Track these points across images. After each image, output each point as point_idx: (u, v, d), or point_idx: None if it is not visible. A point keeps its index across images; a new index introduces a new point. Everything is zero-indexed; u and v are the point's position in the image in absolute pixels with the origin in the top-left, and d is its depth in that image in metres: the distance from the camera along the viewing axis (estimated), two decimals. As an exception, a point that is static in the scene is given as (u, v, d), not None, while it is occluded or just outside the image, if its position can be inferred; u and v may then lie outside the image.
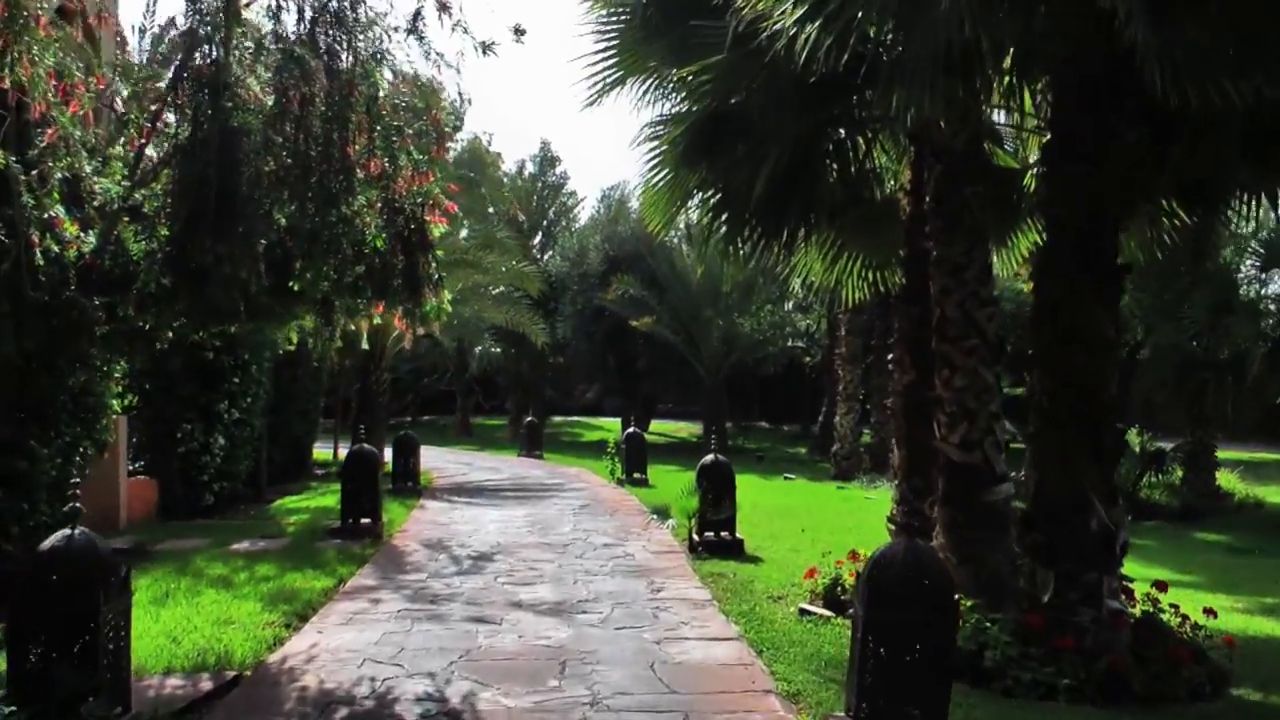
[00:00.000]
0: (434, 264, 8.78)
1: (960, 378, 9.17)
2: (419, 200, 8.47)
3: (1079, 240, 7.86)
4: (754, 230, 10.45)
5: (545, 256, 44.89)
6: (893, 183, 11.80)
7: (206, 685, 7.02)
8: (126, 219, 8.12)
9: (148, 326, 8.51)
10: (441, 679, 7.20)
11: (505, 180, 47.31)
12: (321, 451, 28.85)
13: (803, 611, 9.61)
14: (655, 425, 46.71)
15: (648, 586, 10.69)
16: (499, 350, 39.27)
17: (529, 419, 33.41)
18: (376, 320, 9.58)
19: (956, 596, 5.68)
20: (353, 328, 9.97)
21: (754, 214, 10.25)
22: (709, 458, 13.59)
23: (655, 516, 14.37)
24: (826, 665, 7.74)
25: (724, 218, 10.35)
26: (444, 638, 8.39)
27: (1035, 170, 10.58)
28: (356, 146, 7.84)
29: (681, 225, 41.45)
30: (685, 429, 47.04)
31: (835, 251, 11.71)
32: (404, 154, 8.13)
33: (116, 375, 14.96)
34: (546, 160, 46.77)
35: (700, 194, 10.54)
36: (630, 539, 14.07)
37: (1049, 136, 8.57)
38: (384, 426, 25.47)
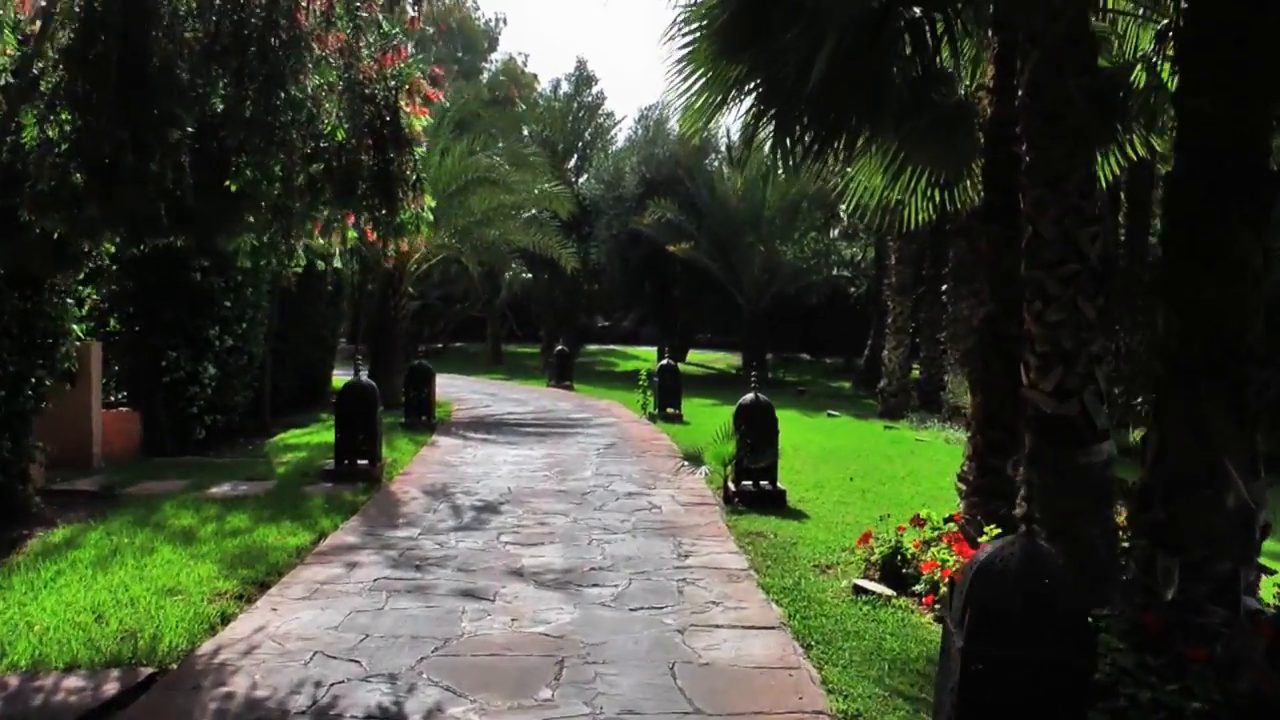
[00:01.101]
0: (413, 163, 7.14)
1: (1055, 311, 7.49)
2: (392, 84, 6.83)
3: (1224, 140, 6.17)
4: (804, 133, 8.87)
5: (580, 180, 43.07)
6: (969, 82, 10.12)
7: (110, 689, 5.58)
8: (40, 104, 6.55)
9: (56, 235, 6.94)
10: (404, 684, 5.71)
11: (540, 101, 45.62)
12: (341, 379, 27.55)
13: (857, 589, 8.06)
14: (693, 355, 45.16)
15: (674, 549, 9.19)
16: (530, 276, 37.63)
17: (559, 348, 31.86)
18: (351, 234, 7.98)
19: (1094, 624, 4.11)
20: (321, 241, 8.33)
21: (806, 113, 8.66)
22: (749, 397, 12.04)
23: (687, 462, 12.77)
24: (891, 669, 6.22)
25: (770, 115, 8.78)
26: (421, 620, 6.90)
27: (1148, 63, 8.90)
28: (310, 14, 6.22)
29: (722, 145, 39.71)
30: (724, 360, 45.52)
31: (898, 165, 10.07)
32: (371, 26, 6.50)
33: (93, 296, 13.63)
34: (582, 80, 44.66)
35: (743, 89, 8.95)
36: (658, 486, 12.58)
37: (1184, 7, 6.83)
38: (401, 354, 23.99)
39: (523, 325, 49.77)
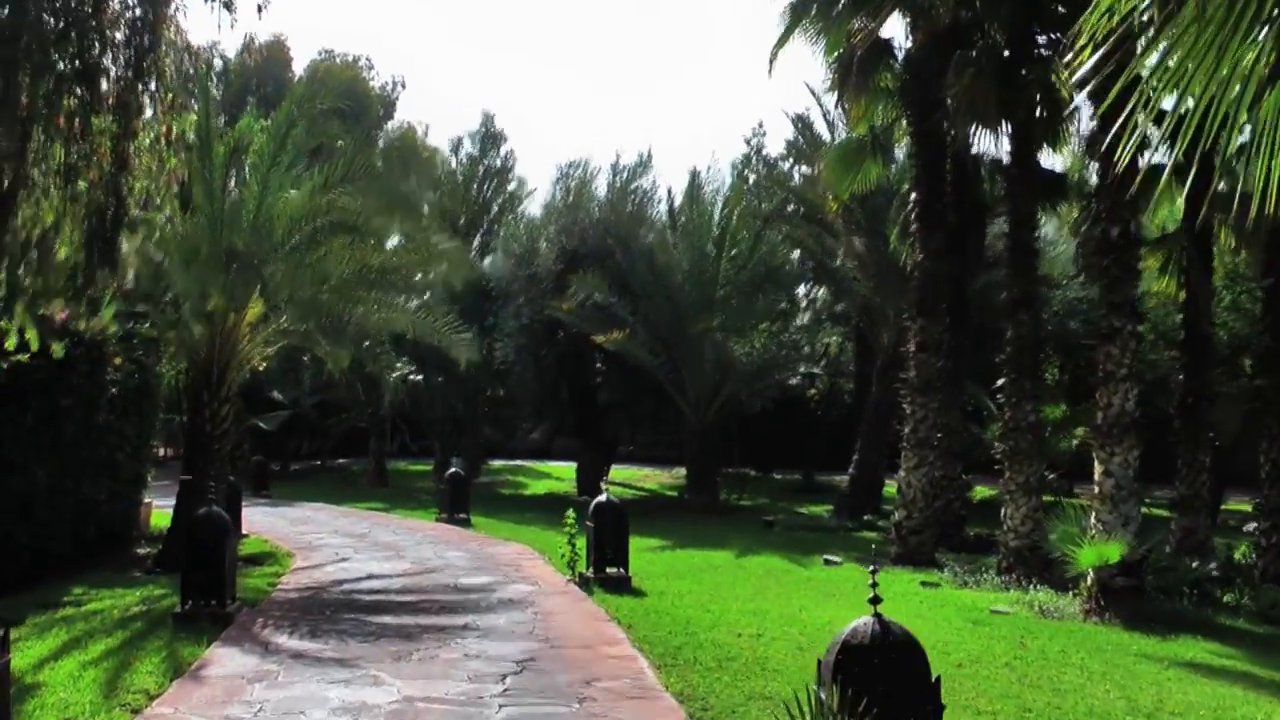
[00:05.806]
0: None
1: None
2: None
3: None
4: None
5: (485, 260, 35.76)
6: None
7: None
8: None
9: None
10: None
11: (443, 175, 38.78)
12: (162, 511, 20.10)
13: None
14: (615, 471, 37.47)
15: None
16: (420, 377, 30.05)
17: (451, 470, 24.17)
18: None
19: None
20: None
21: None
22: (854, 629, 5.02)
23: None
24: None
25: None
26: None
27: None
28: None
29: (663, 210, 32.88)
30: (653, 476, 38.04)
31: None
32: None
33: None
34: (489, 138, 37.21)
35: None
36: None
37: None
38: (223, 482, 16.52)
39: (416, 438, 41.92)
